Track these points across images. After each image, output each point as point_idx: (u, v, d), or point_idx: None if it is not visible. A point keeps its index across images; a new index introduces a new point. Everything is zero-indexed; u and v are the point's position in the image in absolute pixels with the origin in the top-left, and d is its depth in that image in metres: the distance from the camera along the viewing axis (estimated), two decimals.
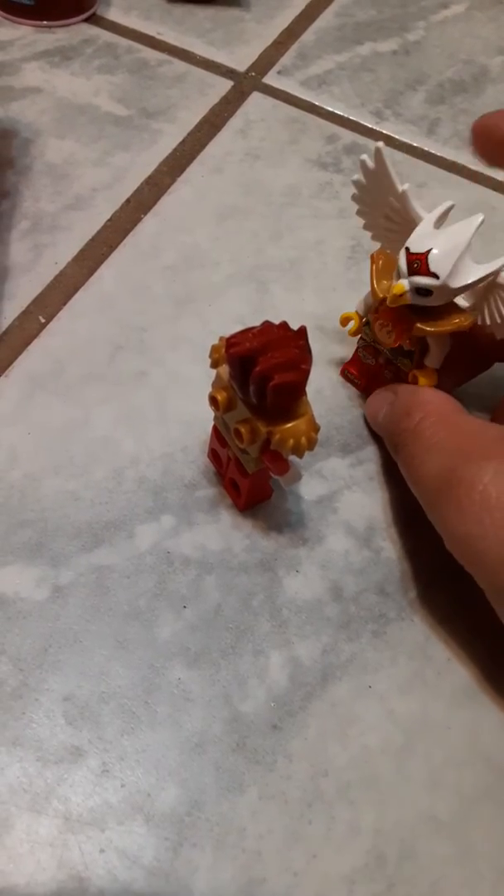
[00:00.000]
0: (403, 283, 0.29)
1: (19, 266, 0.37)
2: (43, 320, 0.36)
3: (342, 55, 0.53)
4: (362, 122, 0.49)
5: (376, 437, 0.35)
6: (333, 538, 0.32)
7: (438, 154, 0.48)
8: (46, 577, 0.29)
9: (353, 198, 0.33)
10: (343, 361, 0.37)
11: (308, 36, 0.54)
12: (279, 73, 0.50)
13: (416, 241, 0.29)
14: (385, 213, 0.31)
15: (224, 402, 0.28)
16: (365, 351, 0.35)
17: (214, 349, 0.29)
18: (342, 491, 0.33)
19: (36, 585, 0.29)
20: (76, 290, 0.37)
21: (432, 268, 0.28)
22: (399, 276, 0.29)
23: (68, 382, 0.34)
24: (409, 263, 0.29)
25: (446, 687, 0.29)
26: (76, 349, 0.35)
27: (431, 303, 0.29)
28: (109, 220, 0.40)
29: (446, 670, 0.29)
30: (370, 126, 0.49)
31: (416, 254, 0.28)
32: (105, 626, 0.28)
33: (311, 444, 0.27)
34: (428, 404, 0.30)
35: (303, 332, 0.26)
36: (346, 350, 0.37)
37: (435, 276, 0.28)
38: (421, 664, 0.29)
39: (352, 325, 0.34)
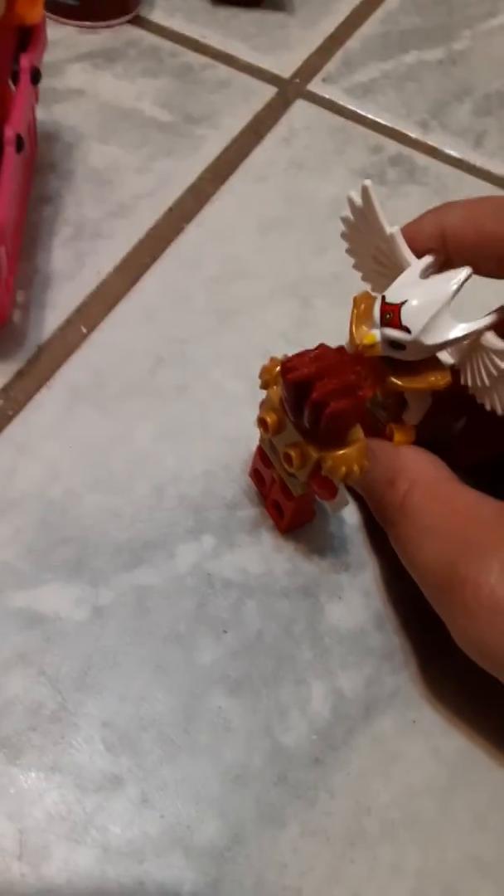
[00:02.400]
0: (375, 334, 0.26)
1: (62, 274, 0.37)
2: (85, 331, 0.35)
3: (387, 63, 0.52)
4: (408, 132, 0.48)
5: None
6: (377, 565, 0.31)
7: (485, 167, 0.47)
8: (86, 597, 0.29)
9: (343, 235, 0.30)
10: None
11: (353, 42, 0.53)
12: (324, 80, 0.50)
13: (394, 291, 0.26)
14: (373, 253, 0.29)
15: (274, 425, 0.27)
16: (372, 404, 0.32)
17: (265, 370, 0.28)
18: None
19: (76, 605, 0.28)
20: (118, 300, 0.37)
21: (405, 321, 0.26)
22: (373, 326, 0.27)
23: (109, 395, 0.34)
24: (383, 314, 0.26)
25: (493, 723, 0.28)
26: (118, 361, 0.35)
27: (406, 357, 0.27)
28: (152, 229, 0.40)
29: (493, 705, 0.28)
30: (416, 137, 0.48)
31: (391, 304, 0.26)
32: (145, 649, 0.28)
33: (363, 472, 0.26)
34: (411, 471, 0.28)
35: (359, 357, 0.25)
36: None
37: (407, 330, 0.26)
38: (466, 700, 0.29)
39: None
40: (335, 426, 0.25)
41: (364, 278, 0.31)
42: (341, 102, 0.49)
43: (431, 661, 0.29)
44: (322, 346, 0.25)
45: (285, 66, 0.50)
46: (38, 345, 0.34)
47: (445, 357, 0.28)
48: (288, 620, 0.29)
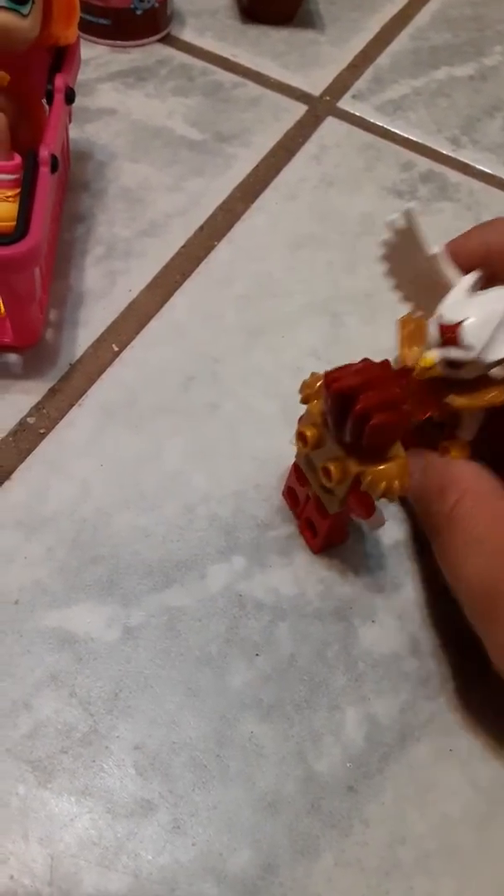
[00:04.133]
0: (434, 356, 0.26)
1: (94, 293, 0.37)
2: (116, 349, 0.35)
3: (418, 80, 0.52)
4: (439, 149, 0.48)
5: None
6: (411, 587, 0.31)
7: None
8: (118, 617, 0.28)
9: (382, 258, 0.30)
10: None
11: (383, 59, 0.53)
12: (354, 97, 0.50)
13: (450, 310, 0.26)
14: (415, 275, 0.28)
15: (313, 439, 0.27)
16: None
17: (306, 385, 0.28)
18: (421, 536, 0.32)
19: (107, 625, 0.28)
20: (149, 318, 0.37)
21: (466, 340, 0.25)
22: (429, 347, 0.26)
23: (140, 413, 0.34)
24: (442, 333, 0.26)
25: None
26: (148, 379, 0.35)
27: (463, 376, 0.26)
28: (183, 247, 0.40)
29: None
30: (447, 153, 0.48)
31: (449, 324, 0.26)
32: (176, 672, 0.28)
33: (404, 489, 0.26)
34: (462, 481, 0.27)
35: (404, 372, 0.25)
36: None
37: (469, 348, 0.25)
38: (503, 727, 0.28)
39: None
40: (378, 440, 0.25)
41: (404, 299, 0.30)
42: (372, 119, 0.49)
43: (469, 687, 0.28)
44: (366, 360, 0.25)
45: (316, 83, 0.50)
46: (71, 362, 0.35)
47: (494, 372, 0.27)
48: (321, 644, 0.29)
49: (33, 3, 0.31)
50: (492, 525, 0.26)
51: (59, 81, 0.33)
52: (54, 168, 0.30)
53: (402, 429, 0.25)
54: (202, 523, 0.31)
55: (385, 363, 0.25)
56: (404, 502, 0.32)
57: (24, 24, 0.31)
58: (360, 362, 0.25)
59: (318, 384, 0.27)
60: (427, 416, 0.28)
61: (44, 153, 0.30)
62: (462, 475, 0.27)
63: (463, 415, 0.28)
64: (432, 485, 0.28)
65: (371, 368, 0.24)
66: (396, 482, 0.25)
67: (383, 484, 0.25)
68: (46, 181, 0.30)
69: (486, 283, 0.26)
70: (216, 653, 0.28)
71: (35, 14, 0.31)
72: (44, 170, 0.30)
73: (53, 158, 0.30)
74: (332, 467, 0.26)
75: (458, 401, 0.27)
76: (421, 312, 0.30)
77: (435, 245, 0.27)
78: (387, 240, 0.28)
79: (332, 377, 0.24)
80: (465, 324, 0.25)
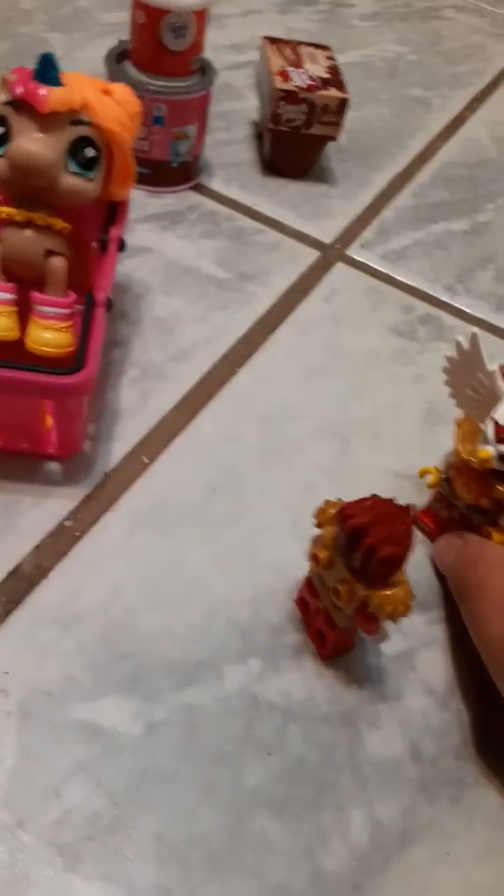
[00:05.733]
0: (490, 450, 0.32)
1: (128, 410, 0.41)
2: (146, 461, 0.39)
3: (418, 232, 0.59)
4: (436, 295, 0.54)
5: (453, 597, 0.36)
6: (412, 696, 0.33)
7: None
8: (141, 713, 0.31)
9: (444, 370, 0.37)
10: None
11: (388, 213, 0.60)
12: (361, 246, 0.56)
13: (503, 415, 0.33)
14: (472, 385, 0.35)
15: (325, 561, 0.31)
16: (438, 503, 0.38)
17: (320, 512, 0.31)
18: (420, 649, 0.35)
19: (131, 720, 0.30)
20: (177, 434, 0.41)
21: None
22: (484, 442, 0.33)
23: (167, 521, 0.37)
24: (497, 433, 0.32)
25: None
26: (175, 490, 0.38)
27: None
28: (208, 373, 0.44)
29: None
30: (443, 299, 0.53)
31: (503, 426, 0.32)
32: (195, 768, 0.30)
33: (407, 612, 0.29)
34: (494, 559, 0.33)
35: (408, 509, 0.29)
36: (419, 502, 0.39)
37: None
38: (497, 832, 0.30)
39: (429, 478, 0.37)
40: (384, 569, 0.28)
41: (459, 405, 0.37)
42: (377, 266, 0.55)
43: (465, 793, 0.31)
44: (375, 497, 0.29)
45: (328, 232, 0.56)
46: (105, 472, 0.38)
47: None
48: (329, 747, 0.31)
49: (98, 169, 0.36)
50: None
51: (114, 233, 0.38)
52: (109, 308, 0.35)
53: (406, 560, 0.28)
54: (221, 626, 0.34)
55: (391, 500, 0.29)
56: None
57: (89, 187, 0.36)
58: (370, 498, 0.29)
59: (330, 511, 0.31)
60: (477, 502, 0.35)
61: (100, 296, 0.35)
62: (495, 553, 0.33)
63: None
64: (468, 559, 0.34)
65: (380, 505, 0.28)
66: (401, 606, 0.29)
67: (389, 608, 0.29)
68: (102, 320, 0.34)
69: None
70: (232, 751, 0.30)
71: (99, 178, 0.37)
72: (99, 311, 0.35)
73: (108, 301, 0.35)
74: (341, 589, 0.30)
75: None
76: (473, 416, 0.36)
77: (492, 363, 0.33)
78: (450, 357, 0.36)
79: (346, 513, 0.28)
80: None
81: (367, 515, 0.28)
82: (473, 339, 0.34)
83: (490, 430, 0.33)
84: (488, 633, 0.30)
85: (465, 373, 0.35)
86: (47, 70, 0.33)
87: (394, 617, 0.29)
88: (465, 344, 0.34)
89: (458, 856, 0.29)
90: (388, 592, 0.29)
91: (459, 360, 0.35)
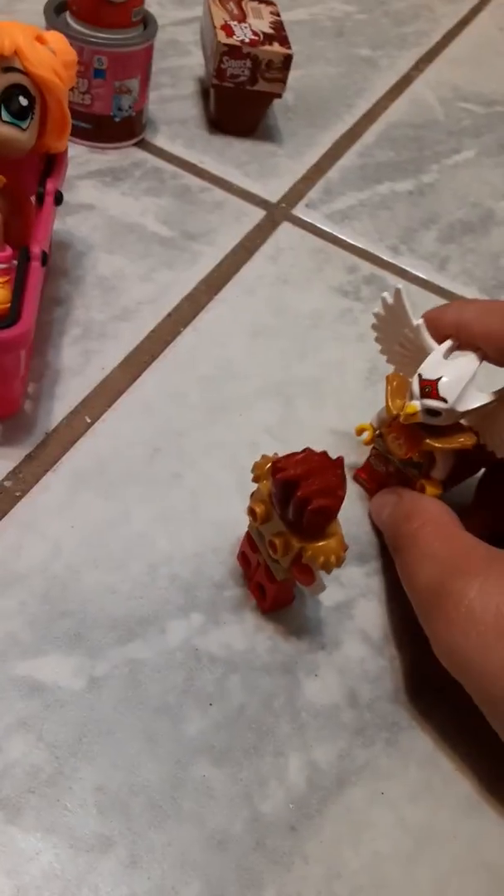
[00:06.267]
0: (416, 405, 0.33)
1: (69, 369, 0.40)
2: (89, 421, 0.39)
3: (363, 193, 0.58)
4: (380, 255, 0.54)
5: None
6: (350, 645, 0.34)
7: (448, 288, 0.53)
8: (83, 668, 0.31)
9: (373, 327, 0.37)
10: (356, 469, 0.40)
11: (333, 173, 0.59)
12: (307, 206, 0.56)
13: (429, 369, 0.33)
14: (400, 341, 0.36)
15: (262, 515, 0.31)
16: (376, 459, 0.39)
17: (257, 466, 0.32)
18: (358, 599, 0.36)
19: (73, 675, 0.31)
20: (120, 394, 0.41)
21: (442, 393, 0.32)
22: (412, 398, 0.33)
23: (110, 480, 0.37)
24: (422, 388, 0.33)
25: (452, 796, 0.31)
26: (118, 450, 0.38)
27: (439, 423, 0.33)
28: (152, 332, 0.44)
29: (452, 780, 0.31)
30: (387, 259, 0.54)
31: (428, 380, 0.33)
32: (136, 720, 0.30)
33: (340, 562, 0.30)
34: (427, 512, 0.34)
35: (340, 461, 0.29)
36: (360, 459, 0.40)
37: (444, 400, 0.32)
38: (430, 773, 0.31)
39: (366, 435, 0.38)
40: (316, 521, 0.29)
41: (389, 361, 0.38)
42: (322, 227, 0.54)
43: (399, 736, 0.32)
44: (308, 450, 0.29)
45: (273, 191, 0.56)
46: (46, 432, 0.38)
47: (464, 421, 0.35)
48: (268, 695, 0.32)
49: (32, 118, 0.35)
50: (443, 545, 0.32)
51: (50, 185, 0.38)
52: (44, 262, 0.34)
53: (337, 511, 0.29)
54: (164, 582, 0.34)
55: (324, 453, 0.29)
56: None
57: (23, 137, 0.35)
58: (302, 452, 0.29)
59: (267, 466, 0.31)
60: (408, 456, 0.35)
61: (35, 249, 0.34)
62: (427, 507, 0.34)
63: (437, 456, 0.35)
64: (401, 512, 0.34)
65: (312, 458, 0.29)
66: (333, 556, 0.29)
67: (322, 558, 0.29)
68: (37, 274, 0.34)
69: (456, 350, 0.34)
70: (174, 702, 0.31)
71: (33, 128, 0.36)
72: (35, 264, 0.34)
73: (44, 254, 0.34)
74: (276, 541, 0.30)
75: (434, 443, 0.34)
76: (403, 372, 0.36)
77: (417, 318, 0.34)
78: (377, 313, 0.36)
79: (277, 466, 0.29)
80: (441, 381, 0.32)
81: (299, 468, 0.28)
82: (397, 294, 0.34)
83: (416, 385, 0.33)
84: (416, 581, 0.32)
85: (392, 329, 0.36)
86: None
87: (327, 567, 0.29)
88: (390, 300, 0.35)
89: (392, 796, 0.30)
90: (321, 544, 0.29)
91: (386, 316, 0.36)
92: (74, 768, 0.29)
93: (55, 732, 0.29)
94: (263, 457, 0.32)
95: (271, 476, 0.29)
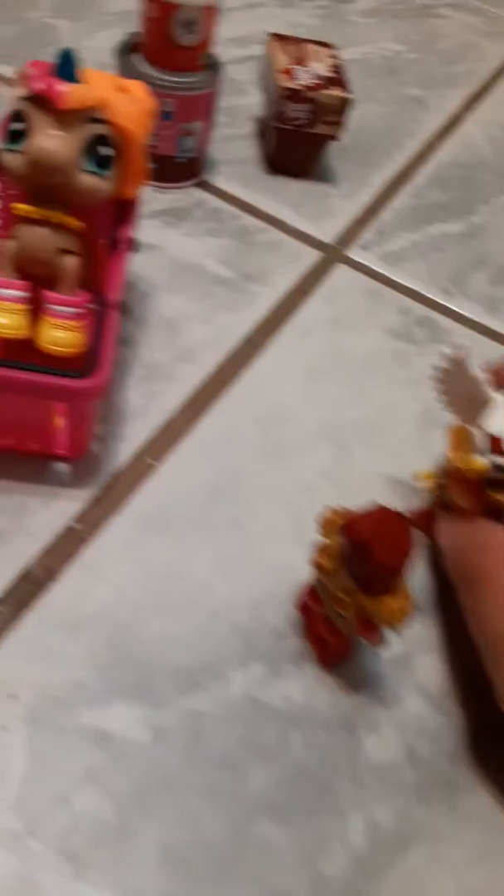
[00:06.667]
0: (484, 461, 0.33)
1: (134, 411, 0.41)
2: (152, 462, 0.39)
3: (415, 234, 0.59)
4: (432, 297, 0.54)
5: (450, 601, 0.37)
6: (409, 700, 0.34)
7: (499, 331, 0.53)
8: (148, 719, 0.31)
9: (434, 379, 0.37)
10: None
11: (386, 214, 0.60)
12: (361, 247, 0.56)
13: (497, 425, 0.33)
14: (461, 393, 0.36)
15: (329, 569, 0.31)
16: (437, 506, 0.39)
17: (324, 521, 0.32)
18: (417, 652, 0.36)
19: (138, 726, 0.31)
20: (181, 436, 0.41)
21: None
22: (477, 452, 0.33)
23: (173, 524, 0.37)
24: (492, 445, 0.33)
25: None
26: (180, 492, 0.39)
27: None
28: (213, 374, 0.44)
29: None
30: (439, 301, 0.54)
31: (497, 437, 0.33)
32: (199, 774, 0.30)
33: (406, 620, 0.30)
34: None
35: (410, 520, 0.29)
36: (416, 504, 0.40)
37: None
38: (490, 834, 0.31)
39: (426, 482, 0.38)
40: (386, 580, 0.29)
41: (449, 411, 0.37)
42: (375, 268, 0.55)
43: (459, 796, 0.32)
44: (380, 508, 0.29)
45: (328, 232, 0.56)
46: (112, 473, 0.38)
47: None
48: (329, 752, 0.32)
49: (113, 168, 0.36)
50: None
51: (125, 233, 0.38)
52: (121, 310, 0.35)
53: (407, 570, 0.29)
54: (224, 630, 0.34)
55: (394, 511, 0.29)
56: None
57: (104, 186, 0.36)
58: (373, 509, 0.29)
59: (335, 520, 0.31)
60: (473, 508, 0.35)
61: (113, 298, 0.35)
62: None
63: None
64: (476, 542, 0.33)
65: (383, 517, 0.29)
66: (400, 615, 0.29)
67: (389, 616, 0.29)
68: (114, 322, 0.34)
69: None
70: (235, 757, 0.31)
71: (113, 177, 0.36)
72: (112, 312, 0.34)
73: (121, 303, 0.35)
74: (344, 597, 0.30)
75: (499, 497, 0.34)
76: (465, 424, 0.36)
77: (480, 371, 0.34)
78: (441, 366, 0.36)
79: (350, 526, 0.29)
80: None
81: (371, 528, 0.28)
82: (460, 351, 0.35)
83: (483, 440, 0.33)
84: (490, 627, 0.31)
85: (454, 381, 0.36)
86: (67, 67, 0.33)
87: (393, 625, 0.29)
88: (453, 355, 0.35)
89: (452, 858, 0.30)
90: (389, 601, 0.29)
91: (448, 369, 0.36)
92: (140, 823, 0.29)
93: (121, 785, 0.29)
94: (331, 511, 0.32)
95: (344, 535, 0.29)
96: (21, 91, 0.35)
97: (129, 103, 0.36)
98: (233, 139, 0.61)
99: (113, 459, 0.39)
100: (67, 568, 0.35)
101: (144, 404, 0.42)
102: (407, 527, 0.29)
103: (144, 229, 0.51)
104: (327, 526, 0.32)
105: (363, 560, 0.29)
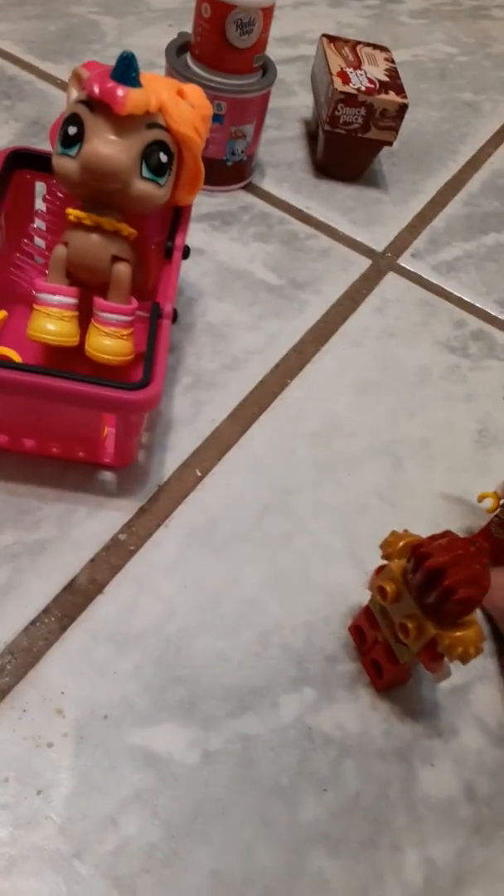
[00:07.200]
0: None
1: (181, 420, 0.40)
2: (199, 474, 0.38)
3: (469, 243, 0.57)
4: (488, 310, 0.52)
5: None
6: (467, 733, 0.33)
7: None
8: (197, 741, 0.30)
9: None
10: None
11: (438, 222, 0.58)
12: (412, 256, 0.55)
13: None
14: None
15: (392, 594, 0.30)
16: (498, 527, 0.37)
17: (388, 544, 0.31)
18: (475, 682, 0.34)
19: (187, 748, 0.30)
20: (229, 447, 0.40)
21: None
22: None
23: (221, 538, 0.36)
24: None
25: None
26: (228, 506, 0.38)
27: None
28: (260, 383, 0.43)
29: None
30: (495, 315, 0.52)
31: None
32: (251, 800, 0.29)
33: (478, 653, 0.28)
34: None
35: (484, 549, 0.28)
36: (474, 525, 0.39)
37: None
38: None
39: (489, 503, 0.37)
40: (460, 610, 0.28)
41: None
42: (428, 278, 0.53)
43: None
44: (450, 535, 0.28)
45: (379, 240, 0.55)
46: (159, 484, 0.37)
47: None
48: (384, 783, 0.31)
49: (170, 174, 0.35)
50: None
51: (179, 240, 0.37)
52: (175, 319, 0.34)
53: (481, 601, 0.28)
54: (275, 651, 0.33)
55: (468, 540, 0.28)
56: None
57: (160, 193, 0.35)
58: (444, 536, 0.28)
59: (400, 544, 0.30)
60: None
61: (167, 308, 0.34)
62: None
63: None
64: None
65: (457, 545, 0.28)
66: (472, 648, 0.28)
67: (460, 649, 0.28)
68: (167, 333, 0.33)
69: None
70: (287, 784, 0.30)
71: (169, 183, 0.36)
72: (166, 322, 0.34)
73: (175, 312, 0.34)
74: (409, 625, 0.29)
75: None
76: None
77: None
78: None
79: (423, 552, 0.28)
80: None
81: (445, 555, 0.27)
82: None
83: None
84: None
85: None
86: (128, 70, 0.32)
87: (464, 658, 0.28)
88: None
89: None
90: (460, 633, 0.28)
91: None
92: (189, 849, 0.28)
93: (170, 809, 0.28)
94: (394, 533, 0.31)
95: (415, 561, 0.28)
96: (77, 94, 0.34)
97: (187, 108, 0.35)
98: (280, 141, 0.60)
99: (160, 470, 0.38)
100: (114, 580, 0.34)
101: (191, 413, 0.41)
102: (481, 556, 0.28)
103: (191, 233, 0.50)
104: (390, 548, 0.31)
105: (436, 588, 0.27)
